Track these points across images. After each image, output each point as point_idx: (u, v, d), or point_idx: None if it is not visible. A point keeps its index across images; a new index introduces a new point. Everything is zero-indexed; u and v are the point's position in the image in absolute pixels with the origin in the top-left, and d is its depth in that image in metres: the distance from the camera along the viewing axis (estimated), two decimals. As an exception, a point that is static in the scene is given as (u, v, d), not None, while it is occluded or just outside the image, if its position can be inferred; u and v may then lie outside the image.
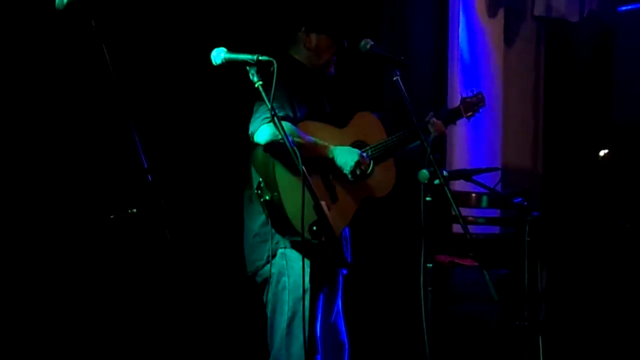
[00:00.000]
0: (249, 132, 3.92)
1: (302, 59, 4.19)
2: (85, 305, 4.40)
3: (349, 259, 4.25)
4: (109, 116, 4.09)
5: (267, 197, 3.86)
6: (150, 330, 4.53)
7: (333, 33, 4.20)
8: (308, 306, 3.37)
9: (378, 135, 4.25)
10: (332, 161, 4.01)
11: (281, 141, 3.68)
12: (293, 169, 3.82)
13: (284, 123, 3.79)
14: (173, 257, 2.88)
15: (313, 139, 3.96)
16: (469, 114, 4.54)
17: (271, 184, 3.85)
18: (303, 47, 4.19)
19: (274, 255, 3.99)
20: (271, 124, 3.77)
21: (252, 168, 3.97)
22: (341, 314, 4.25)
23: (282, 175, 3.84)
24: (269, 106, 3.22)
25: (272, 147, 3.84)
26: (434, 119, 4.31)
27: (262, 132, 3.84)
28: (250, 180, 3.98)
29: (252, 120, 3.92)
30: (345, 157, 4.02)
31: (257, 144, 3.88)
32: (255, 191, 3.91)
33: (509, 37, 6.90)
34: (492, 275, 3.47)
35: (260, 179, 3.90)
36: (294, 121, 3.93)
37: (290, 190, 3.82)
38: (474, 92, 4.56)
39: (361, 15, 5.55)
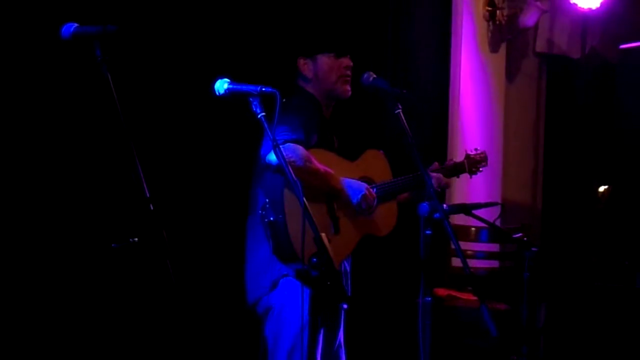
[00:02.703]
0: (261, 153, 3.90)
1: (310, 88, 4.17)
2: (85, 333, 4.39)
3: (348, 293, 4.24)
4: (112, 145, 4.10)
5: (272, 219, 3.85)
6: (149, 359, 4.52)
7: (331, 48, 4.16)
8: (307, 338, 3.37)
9: (384, 174, 4.24)
10: (340, 192, 4.01)
11: (295, 164, 3.70)
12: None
13: (298, 146, 3.82)
14: (173, 287, 2.88)
15: (324, 167, 3.95)
16: (473, 169, 4.55)
17: (277, 205, 3.84)
18: (307, 77, 4.18)
19: (276, 285, 3.99)
20: (285, 145, 3.75)
21: (260, 191, 3.95)
22: (343, 348, 4.24)
23: (290, 198, 3.82)
24: (272, 137, 3.23)
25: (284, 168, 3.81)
26: (432, 174, 4.25)
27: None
28: (256, 205, 3.97)
29: (264, 142, 3.89)
30: (354, 189, 4.02)
31: (269, 166, 3.85)
32: (260, 212, 3.89)
33: (511, 72, 6.94)
34: (490, 310, 3.47)
35: (267, 200, 3.88)
36: (306, 146, 3.91)
37: (297, 214, 3.76)
38: (478, 151, 4.59)
39: (357, 26, 5.58)
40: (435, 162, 4.43)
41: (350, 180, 4.05)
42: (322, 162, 3.95)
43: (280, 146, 3.71)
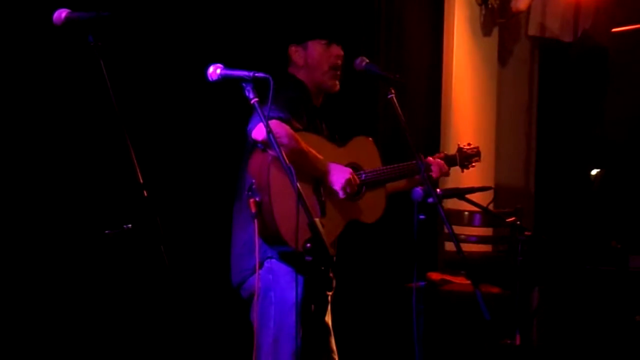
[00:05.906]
0: (248, 129, 3.86)
1: (301, 75, 4.15)
2: (78, 320, 4.40)
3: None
4: (106, 131, 4.10)
5: (258, 199, 3.82)
6: (144, 346, 4.53)
7: (321, 34, 4.14)
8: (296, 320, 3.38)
9: (373, 161, 4.21)
10: (324, 174, 4.00)
11: (280, 142, 3.55)
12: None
13: (283, 124, 3.79)
14: (168, 273, 2.89)
15: (310, 148, 3.94)
16: (465, 164, 4.51)
17: (263, 186, 3.82)
18: (298, 64, 4.17)
19: (260, 266, 3.97)
20: (270, 122, 3.56)
21: (246, 172, 3.94)
22: (331, 333, 4.24)
23: (276, 178, 3.80)
24: (265, 122, 3.23)
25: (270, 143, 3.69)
26: (434, 159, 4.27)
27: (261, 128, 3.73)
28: (242, 188, 3.96)
29: (252, 118, 3.85)
30: (338, 174, 3.99)
31: (255, 141, 3.84)
32: (247, 192, 3.86)
33: (503, 56, 6.95)
34: (483, 294, 3.49)
35: (254, 180, 3.84)
36: (292, 127, 3.90)
37: (283, 195, 3.76)
38: (470, 145, 4.54)
39: (348, 15, 5.58)
40: (442, 153, 4.44)
41: (335, 165, 4.02)
42: (309, 145, 3.92)
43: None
